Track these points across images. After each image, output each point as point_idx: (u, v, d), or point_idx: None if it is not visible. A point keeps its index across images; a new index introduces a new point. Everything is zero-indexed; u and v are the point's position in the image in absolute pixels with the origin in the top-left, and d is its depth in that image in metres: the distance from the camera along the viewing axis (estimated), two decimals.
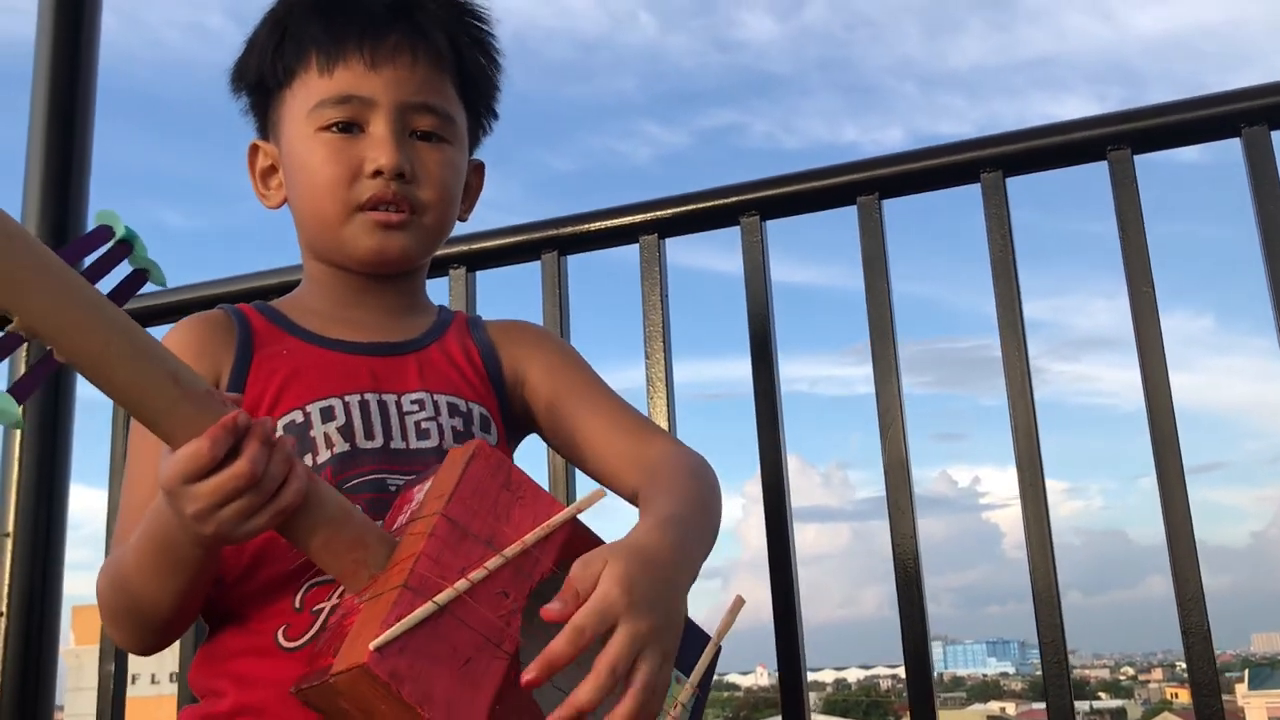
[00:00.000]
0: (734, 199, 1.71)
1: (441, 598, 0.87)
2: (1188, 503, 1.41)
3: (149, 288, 0.96)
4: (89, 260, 0.89)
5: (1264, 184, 1.48)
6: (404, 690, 0.83)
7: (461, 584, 0.88)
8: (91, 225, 0.91)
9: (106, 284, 0.91)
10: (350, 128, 1.19)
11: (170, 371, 0.87)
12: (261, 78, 1.25)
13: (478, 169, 1.33)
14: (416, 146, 1.20)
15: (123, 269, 0.93)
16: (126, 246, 0.90)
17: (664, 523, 1.00)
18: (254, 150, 1.29)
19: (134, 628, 1.09)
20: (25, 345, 0.84)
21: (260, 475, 0.88)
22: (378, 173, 1.17)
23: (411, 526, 0.94)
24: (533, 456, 1.31)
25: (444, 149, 1.22)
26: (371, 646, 0.83)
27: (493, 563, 0.91)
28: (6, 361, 0.86)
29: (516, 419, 1.26)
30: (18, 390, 0.85)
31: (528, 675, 0.84)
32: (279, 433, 1.11)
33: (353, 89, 1.18)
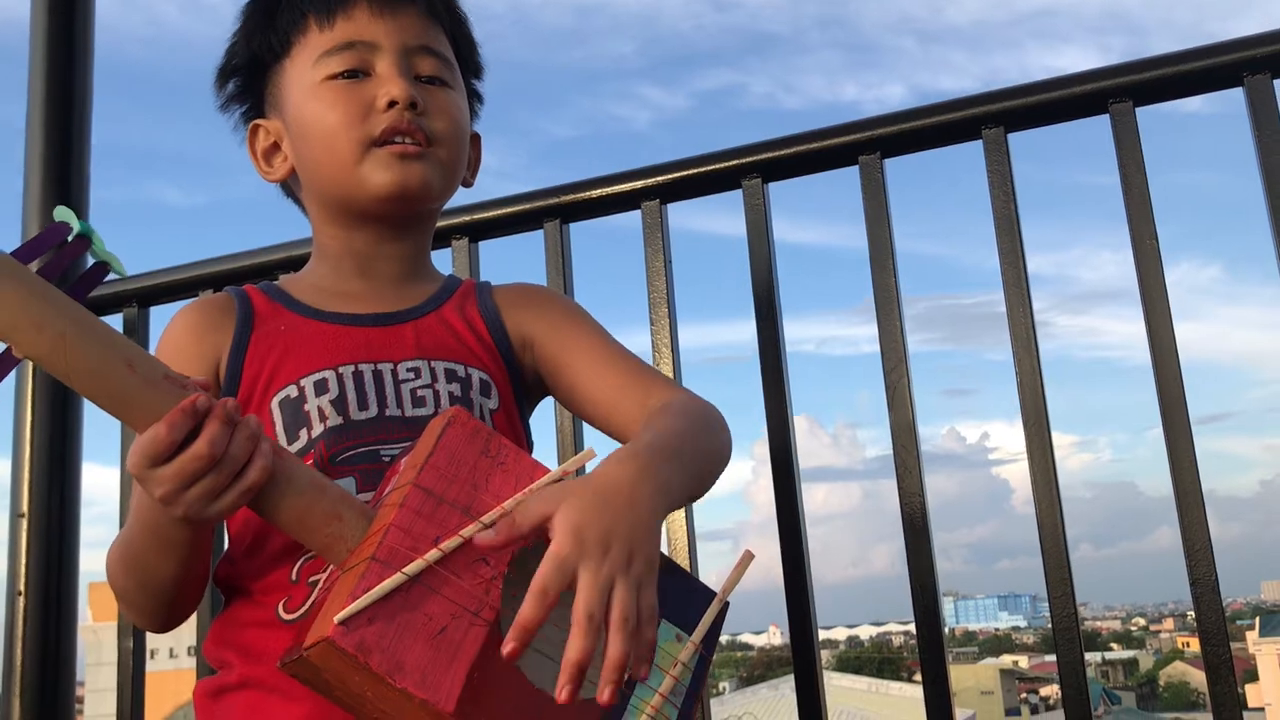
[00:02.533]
0: (735, 162, 1.70)
1: (411, 568, 0.87)
2: (1194, 453, 1.41)
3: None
4: (50, 257, 0.90)
5: (1267, 133, 1.47)
6: (372, 661, 0.83)
7: (433, 554, 0.88)
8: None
9: (69, 277, 0.92)
10: (356, 74, 1.18)
11: (126, 359, 0.87)
12: (255, 55, 1.24)
13: (475, 140, 1.33)
14: (423, 87, 1.20)
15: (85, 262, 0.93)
16: (85, 241, 0.91)
17: (627, 454, 0.97)
18: (254, 130, 1.27)
19: (142, 605, 1.11)
20: None
21: (220, 456, 0.88)
22: (391, 104, 1.16)
23: (386, 498, 0.94)
24: (539, 421, 1.30)
25: (449, 92, 1.23)
26: (336, 620, 0.83)
27: (468, 530, 0.90)
28: None
29: (528, 385, 1.25)
30: None
31: (507, 646, 0.84)
32: (276, 409, 1.12)
33: (356, 35, 1.19)
